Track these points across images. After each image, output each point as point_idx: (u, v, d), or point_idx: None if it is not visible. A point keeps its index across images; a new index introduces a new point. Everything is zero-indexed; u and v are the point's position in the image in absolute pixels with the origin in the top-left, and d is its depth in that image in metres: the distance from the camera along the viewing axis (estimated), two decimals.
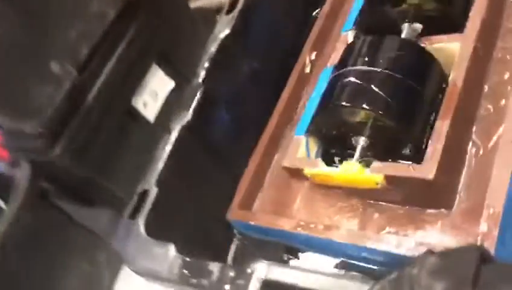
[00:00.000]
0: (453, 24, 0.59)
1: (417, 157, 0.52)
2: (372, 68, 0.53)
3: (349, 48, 0.59)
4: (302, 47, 0.77)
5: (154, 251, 0.50)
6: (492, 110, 0.52)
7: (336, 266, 0.56)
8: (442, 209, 0.52)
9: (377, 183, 0.52)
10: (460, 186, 0.51)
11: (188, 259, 0.47)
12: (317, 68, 0.73)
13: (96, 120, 0.60)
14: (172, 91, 0.67)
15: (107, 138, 0.62)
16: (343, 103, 0.53)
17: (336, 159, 0.59)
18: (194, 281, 0.46)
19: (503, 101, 0.52)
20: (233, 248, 0.61)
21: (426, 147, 0.51)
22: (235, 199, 0.63)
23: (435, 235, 0.50)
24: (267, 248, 0.61)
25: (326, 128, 0.59)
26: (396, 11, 0.62)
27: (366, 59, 0.54)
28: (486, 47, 0.56)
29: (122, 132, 0.64)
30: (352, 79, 0.54)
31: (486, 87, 0.54)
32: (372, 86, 0.52)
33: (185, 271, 0.46)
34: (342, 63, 0.59)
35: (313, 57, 0.74)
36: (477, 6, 0.57)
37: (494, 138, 0.50)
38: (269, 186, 0.65)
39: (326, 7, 0.74)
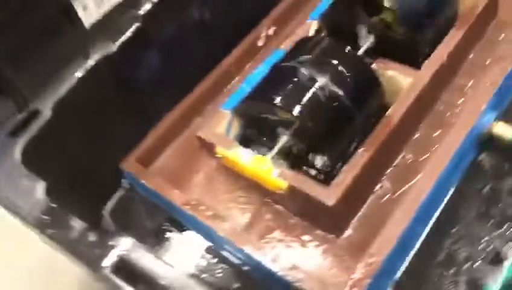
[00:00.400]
0: (414, 57, 0.57)
1: (328, 175, 0.51)
2: (316, 73, 0.50)
3: (303, 42, 0.55)
4: (265, 14, 0.72)
5: (22, 183, 0.45)
6: (411, 160, 0.51)
7: (208, 251, 0.54)
8: (331, 235, 0.51)
9: (280, 189, 0.50)
10: (354, 221, 0.50)
11: (52, 204, 0.42)
12: (271, 45, 0.68)
13: (22, 3, 0.52)
14: (119, 7, 0.59)
15: (29, 27, 0.54)
16: (277, 102, 0.49)
17: (253, 148, 0.56)
18: (50, 231, 0.41)
19: (425, 156, 0.51)
20: (112, 203, 0.56)
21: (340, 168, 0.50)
22: (135, 150, 0.59)
23: (314, 258, 0.50)
24: (152, 211, 0.58)
25: (255, 114, 0.55)
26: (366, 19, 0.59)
27: (314, 61, 0.50)
28: (433, 94, 0.55)
29: (48, 26, 0.56)
30: (294, 76, 0.51)
31: (416, 135, 0.53)
32: (310, 92, 0.49)
33: (45, 217, 0.42)
34: (292, 53, 0.55)
35: (270, 32, 0.69)
36: (441, 49, 0.55)
37: (402, 189, 0.49)
38: (176, 149, 0.61)
39: None
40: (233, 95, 0.61)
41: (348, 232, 0.50)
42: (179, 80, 0.63)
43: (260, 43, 0.68)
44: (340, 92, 0.50)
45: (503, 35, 0.60)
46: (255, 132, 0.56)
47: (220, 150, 0.55)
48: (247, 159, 0.53)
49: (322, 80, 0.49)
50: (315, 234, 0.51)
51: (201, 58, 0.67)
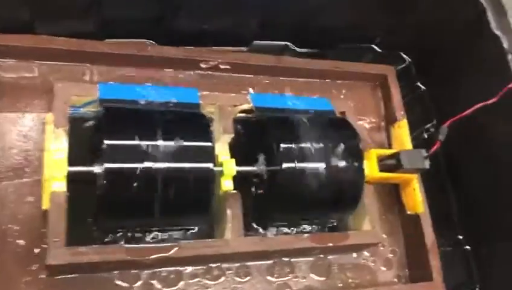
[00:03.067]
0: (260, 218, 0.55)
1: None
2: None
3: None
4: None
5: None
6: None
7: None
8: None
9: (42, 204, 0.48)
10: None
11: None
12: (204, 77, 0.61)
13: None
14: None
15: None
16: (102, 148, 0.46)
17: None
18: None
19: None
20: None
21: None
22: None
23: None
24: None
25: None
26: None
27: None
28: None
29: None
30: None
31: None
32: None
33: None
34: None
35: (221, 66, 0.62)
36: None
37: None
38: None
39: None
40: (119, 86, 0.55)
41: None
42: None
43: (203, 65, 0.62)
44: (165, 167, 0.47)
45: None
46: (88, 137, 0.52)
47: (49, 118, 0.51)
48: (53, 152, 0.48)
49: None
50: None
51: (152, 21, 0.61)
